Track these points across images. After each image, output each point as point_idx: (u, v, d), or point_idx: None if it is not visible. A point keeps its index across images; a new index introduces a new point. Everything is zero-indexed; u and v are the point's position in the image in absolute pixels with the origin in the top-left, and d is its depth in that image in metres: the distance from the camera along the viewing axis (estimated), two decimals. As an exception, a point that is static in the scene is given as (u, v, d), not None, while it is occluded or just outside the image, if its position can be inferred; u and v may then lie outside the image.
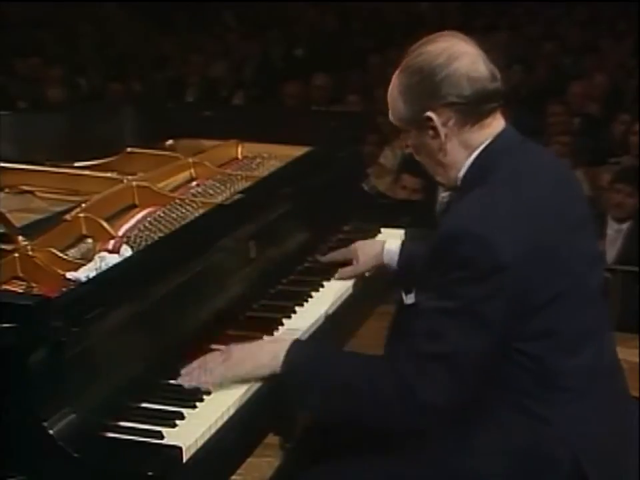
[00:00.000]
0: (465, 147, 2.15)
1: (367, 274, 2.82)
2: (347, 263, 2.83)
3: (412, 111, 2.15)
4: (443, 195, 2.32)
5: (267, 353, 2.19)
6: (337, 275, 2.80)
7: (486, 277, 2.00)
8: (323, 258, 2.89)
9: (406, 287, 2.65)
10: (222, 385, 2.15)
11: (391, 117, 2.24)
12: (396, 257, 2.74)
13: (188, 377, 2.17)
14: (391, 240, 2.81)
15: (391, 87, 2.21)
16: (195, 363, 2.19)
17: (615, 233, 5.79)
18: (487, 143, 2.15)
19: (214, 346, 2.31)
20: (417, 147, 2.21)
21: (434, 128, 2.13)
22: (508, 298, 2.01)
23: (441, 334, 2.03)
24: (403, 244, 2.77)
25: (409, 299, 2.60)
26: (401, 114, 2.19)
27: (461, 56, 2.12)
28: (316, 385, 2.14)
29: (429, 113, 2.12)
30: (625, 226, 5.84)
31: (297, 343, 2.22)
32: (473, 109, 2.12)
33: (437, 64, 2.11)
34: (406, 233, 3.09)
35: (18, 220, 2.52)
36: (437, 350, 2.03)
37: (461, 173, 2.17)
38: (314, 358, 2.20)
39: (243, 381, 2.17)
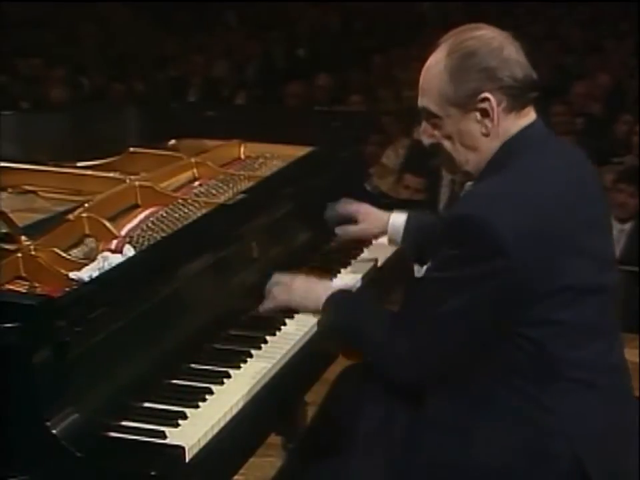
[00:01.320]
0: (503, 134, 2.18)
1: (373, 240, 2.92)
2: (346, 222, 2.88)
3: (464, 92, 2.15)
4: (469, 184, 2.34)
5: (318, 295, 2.40)
6: (337, 230, 2.86)
7: (485, 258, 2.05)
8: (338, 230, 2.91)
9: (419, 259, 2.67)
10: (225, 384, 2.17)
11: (426, 102, 2.22)
12: (400, 232, 2.77)
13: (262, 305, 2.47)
14: (397, 214, 2.82)
15: (432, 69, 2.20)
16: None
17: (618, 233, 5.78)
18: (514, 133, 2.18)
19: (217, 345, 2.33)
20: (452, 133, 2.20)
21: (484, 110, 2.15)
22: (504, 283, 2.05)
23: (432, 302, 2.13)
24: (409, 218, 2.78)
25: (420, 272, 2.62)
26: (448, 95, 2.17)
27: (509, 44, 2.18)
28: (341, 320, 2.35)
29: (486, 94, 2.14)
30: (627, 226, 5.84)
31: (339, 292, 2.41)
32: (522, 94, 2.16)
33: (492, 48, 2.15)
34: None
35: (21, 220, 2.52)
36: (425, 314, 2.15)
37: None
38: (347, 303, 2.38)
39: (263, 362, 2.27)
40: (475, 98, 2.15)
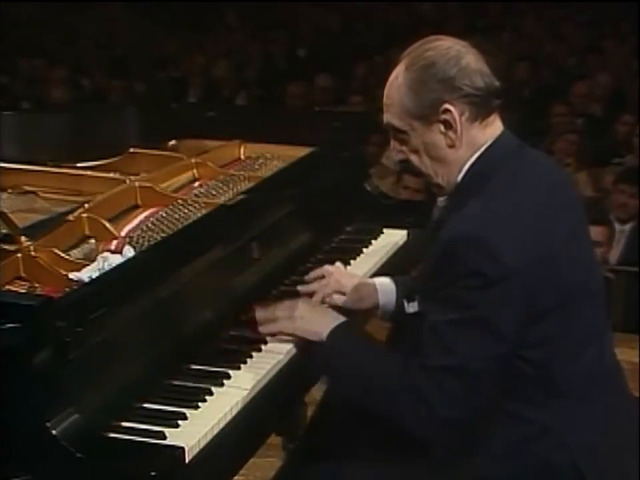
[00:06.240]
0: (470, 145, 2.14)
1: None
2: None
3: (424, 104, 2.12)
4: (440, 200, 2.30)
5: (321, 326, 2.25)
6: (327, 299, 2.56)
7: (493, 284, 1.99)
8: (307, 281, 2.66)
9: (407, 295, 2.54)
10: (224, 385, 2.17)
11: (389, 117, 2.19)
12: (393, 295, 2.57)
13: (265, 327, 2.36)
14: (380, 279, 2.62)
15: (393, 84, 2.18)
16: (263, 313, 2.39)
17: (618, 234, 5.78)
18: (487, 144, 2.15)
19: (217, 346, 2.33)
20: (418, 147, 2.17)
21: (447, 122, 2.12)
22: (515, 305, 2.00)
23: (453, 347, 2.02)
24: (396, 281, 2.59)
25: (411, 307, 2.53)
26: (410, 108, 2.14)
27: (467, 53, 2.15)
28: (343, 374, 2.22)
29: (447, 105, 2.11)
30: (627, 227, 5.83)
31: (339, 328, 2.26)
32: (485, 102, 2.13)
33: (449, 57, 2.12)
34: (408, 234, 3.09)
35: (21, 220, 2.52)
36: (450, 363, 2.02)
37: (461, 174, 2.16)
38: (348, 349, 2.23)
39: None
40: (436, 109, 2.12)
